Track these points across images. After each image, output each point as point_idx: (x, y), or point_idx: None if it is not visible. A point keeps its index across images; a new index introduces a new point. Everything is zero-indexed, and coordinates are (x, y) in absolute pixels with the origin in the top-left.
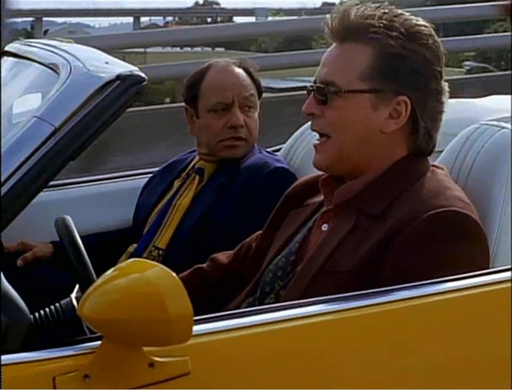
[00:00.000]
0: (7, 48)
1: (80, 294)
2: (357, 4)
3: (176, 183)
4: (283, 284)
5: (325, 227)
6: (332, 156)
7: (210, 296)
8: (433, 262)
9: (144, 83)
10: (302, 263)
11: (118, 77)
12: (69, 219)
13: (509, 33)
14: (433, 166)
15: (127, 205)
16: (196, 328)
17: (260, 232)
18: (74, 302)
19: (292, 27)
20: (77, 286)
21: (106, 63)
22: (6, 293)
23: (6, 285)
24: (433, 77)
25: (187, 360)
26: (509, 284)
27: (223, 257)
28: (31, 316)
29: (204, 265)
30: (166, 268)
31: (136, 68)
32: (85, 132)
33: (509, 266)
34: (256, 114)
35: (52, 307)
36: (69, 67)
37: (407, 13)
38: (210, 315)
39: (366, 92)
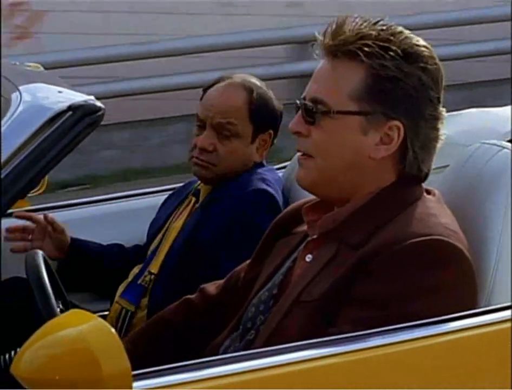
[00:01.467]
0: None
1: None
2: (353, 19)
3: (182, 204)
4: (264, 319)
5: (308, 257)
6: (315, 176)
7: (198, 328)
8: (403, 292)
9: (100, 112)
10: (283, 296)
11: (70, 107)
12: (39, 254)
13: None
14: (426, 190)
15: (142, 223)
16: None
17: (248, 261)
18: None
19: None
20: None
21: (60, 92)
22: None
23: None
24: (428, 102)
25: None
26: (508, 324)
27: (212, 287)
28: None
29: (192, 296)
30: (103, 322)
31: (92, 97)
32: (34, 167)
33: (509, 304)
34: (239, 143)
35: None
36: (19, 96)
37: (407, 32)
38: (151, 369)
39: (356, 114)
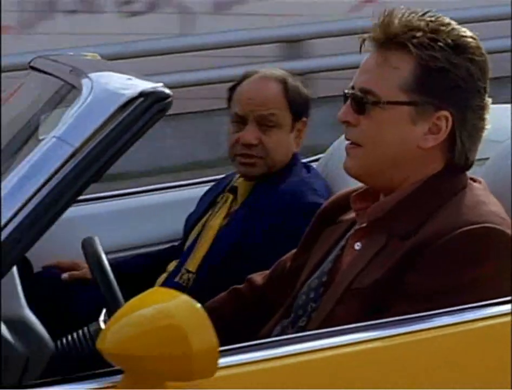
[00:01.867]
0: (32, 63)
1: (107, 319)
2: (402, 11)
3: (218, 201)
4: (315, 306)
5: (357, 245)
6: (364, 165)
7: (247, 318)
8: (457, 282)
9: (169, 99)
10: (334, 283)
11: (141, 94)
12: (96, 240)
13: None
14: (470, 178)
15: (176, 217)
16: (224, 360)
17: (295, 250)
18: (102, 326)
19: None
20: (104, 310)
21: (129, 79)
22: (26, 321)
23: (27, 312)
24: (476, 93)
25: None
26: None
27: (259, 277)
28: (54, 345)
29: (240, 286)
30: (190, 299)
31: (160, 84)
32: (107, 153)
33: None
34: (282, 133)
35: (80, 332)
36: (90, 85)
37: (455, 23)
38: (237, 346)
39: (406, 105)
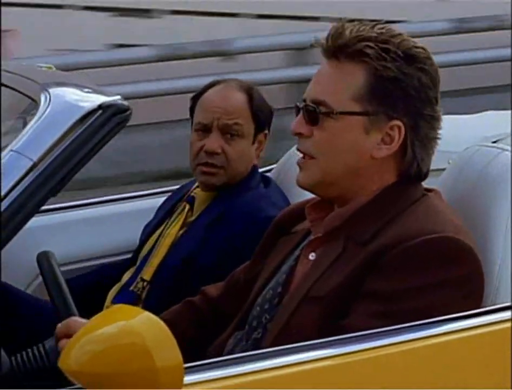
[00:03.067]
0: None
1: None
2: (353, 23)
3: (175, 210)
4: (270, 318)
5: (312, 256)
6: (317, 177)
7: (201, 330)
8: (415, 285)
9: (128, 111)
10: (288, 294)
11: (100, 106)
12: (52, 254)
13: None
14: (426, 189)
15: (133, 228)
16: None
17: (249, 262)
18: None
19: None
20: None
21: (88, 91)
22: None
23: None
24: (428, 102)
25: None
26: (509, 324)
27: (213, 289)
28: (9, 362)
29: (195, 298)
30: (152, 316)
31: (119, 97)
32: (66, 166)
33: (508, 304)
34: (244, 143)
35: (35, 348)
36: (48, 97)
37: (405, 34)
38: (202, 362)
39: (358, 115)
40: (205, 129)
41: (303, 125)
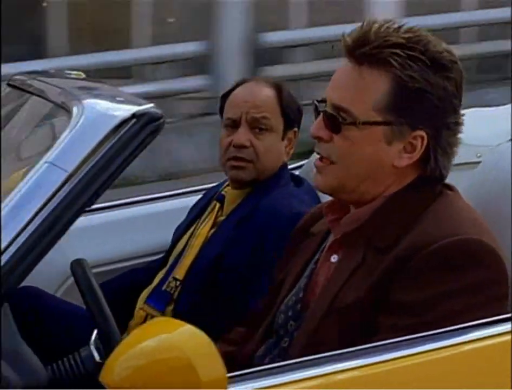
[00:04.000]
0: (12, 81)
1: (98, 343)
2: (379, 23)
3: (207, 209)
4: (296, 325)
5: (334, 258)
6: (335, 182)
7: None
8: (440, 293)
9: (161, 120)
10: (312, 300)
11: (134, 115)
12: (85, 262)
13: None
14: (444, 185)
15: (164, 228)
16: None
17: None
18: (93, 350)
19: None
20: (94, 334)
21: (120, 100)
22: (20, 351)
23: (20, 341)
24: (451, 111)
25: None
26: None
27: None
28: (47, 374)
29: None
30: (194, 329)
31: (152, 105)
32: (101, 176)
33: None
34: (273, 138)
35: (71, 357)
36: (80, 106)
37: (432, 36)
38: (244, 372)
39: (381, 125)
40: (234, 125)
41: (323, 129)
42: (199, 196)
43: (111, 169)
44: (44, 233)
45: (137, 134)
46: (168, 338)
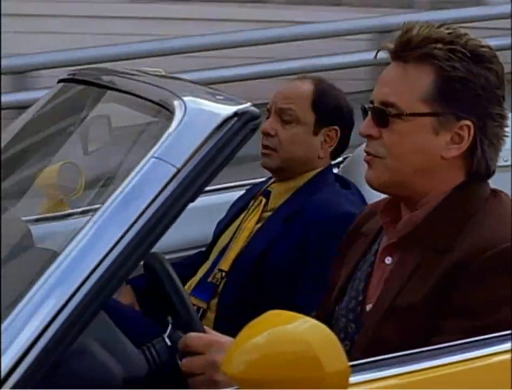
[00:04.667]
0: (80, 76)
1: (176, 333)
2: (420, 24)
3: (252, 204)
4: (356, 328)
5: (388, 260)
6: (386, 176)
7: None
8: (502, 296)
9: (259, 119)
10: (371, 302)
11: (236, 113)
12: (160, 254)
13: None
14: (493, 190)
15: (206, 222)
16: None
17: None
18: (168, 341)
19: None
20: (170, 326)
21: (220, 98)
22: (119, 341)
23: (118, 332)
24: (495, 101)
25: None
26: None
27: None
28: (145, 364)
29: None
30: (315, 321)
31: (249, 103)
32: (206, 172)
33: None
34: (300, 130)
35: (145, 348)
36: (183, 104)
37: (471, 34)
38: (363, 361)
39: (428, 116)
40: (268, 114)
41: (372, 127)
42: (239, 192)
43: (215, 165)
44: (155, 225)
45: (238, 131)
46: (289, 329)
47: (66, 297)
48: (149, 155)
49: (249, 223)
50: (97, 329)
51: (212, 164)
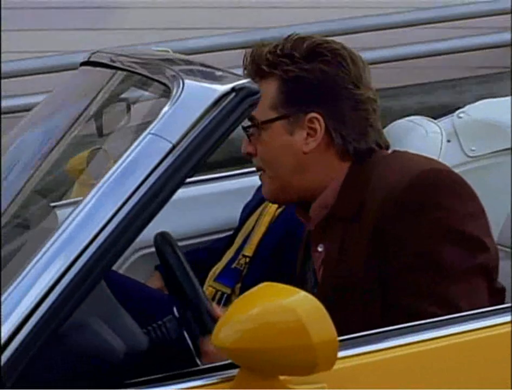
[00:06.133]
0: (98, 58)
1: (188, 313)
2: (264, 45)
3: None
4: None
5: (320, 247)
6: (273, 187)
7: None
8: (431, 230)
9: (258, 95)
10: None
11: (233, 89)
12: (169, 234)
13: None
14: (394, 150)
15: (232, 206)
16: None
17: None
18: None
19: None
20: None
21: (218, 74)
22: (120, 316)
23: (120, 308)
24: (342, 88)
25: (324, 387)
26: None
27: None
28: (147, 340)
29: None
30: (304, 293)
31: (249, 79)
32: (202, 148)
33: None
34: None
35: (156, 326)
36: (180, 81)
37: (319, 37)
38: (349, 337)
39: (277, 120)
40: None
41: (249, 145)
42: None
43: (211, 141)
44: (149, 201)
45: (236, 107)
46: (280, 302)
47: (64, 268)
48: (146, 131)
49: (271, 208)
50: (102, 306)
51: (208, 140)
